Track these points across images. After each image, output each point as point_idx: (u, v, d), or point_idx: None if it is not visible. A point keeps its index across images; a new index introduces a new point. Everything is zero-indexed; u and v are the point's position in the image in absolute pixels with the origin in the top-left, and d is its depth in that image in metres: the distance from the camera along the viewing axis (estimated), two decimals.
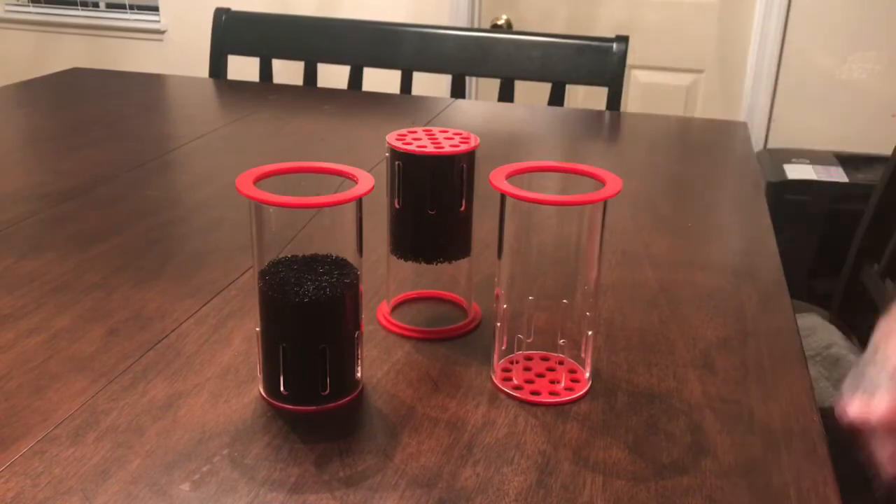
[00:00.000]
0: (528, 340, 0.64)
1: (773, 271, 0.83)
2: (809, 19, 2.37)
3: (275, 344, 0.57)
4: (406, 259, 0.68)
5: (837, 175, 2.18)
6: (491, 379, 0.62)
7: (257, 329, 0.58)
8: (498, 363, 0.63)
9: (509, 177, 0.58)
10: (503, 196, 0.57)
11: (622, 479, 0.52)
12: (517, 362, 0.64)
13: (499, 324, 0.62)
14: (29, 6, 3.19)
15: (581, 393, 0.61)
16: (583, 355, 0.62)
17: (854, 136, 2.39)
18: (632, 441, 0.56)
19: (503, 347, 0.63)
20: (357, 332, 0.58)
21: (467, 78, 1.60)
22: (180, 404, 0.58)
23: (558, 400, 0.60)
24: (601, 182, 0.58)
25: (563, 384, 0.62)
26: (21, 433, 0.54)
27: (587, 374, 0.62)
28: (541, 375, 0.63)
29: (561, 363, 0.64)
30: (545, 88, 1.54)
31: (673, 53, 2.53)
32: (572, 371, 0.63)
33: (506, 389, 0.61)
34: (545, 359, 0.65)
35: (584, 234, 0.60)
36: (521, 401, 0.60)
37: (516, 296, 0.62)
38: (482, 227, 0.70)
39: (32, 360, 0.63)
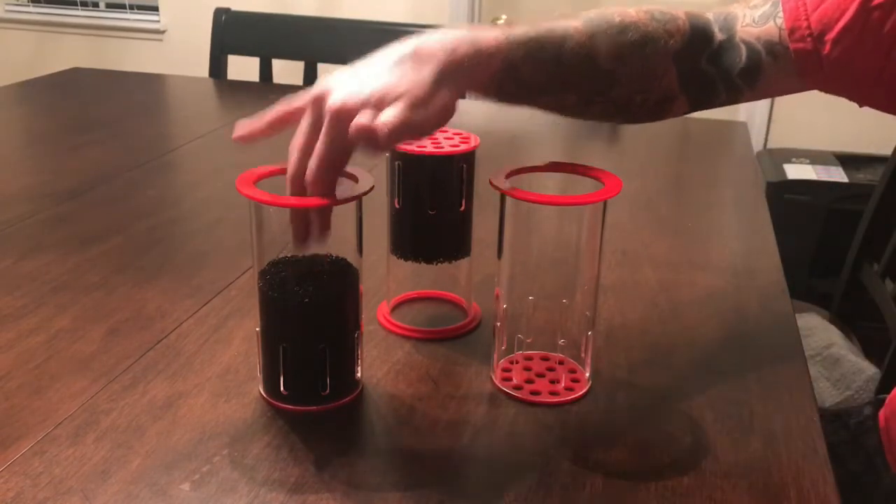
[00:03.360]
0: (528, 340, 0.64)
1: (773, 271, 0.83)
2: None
3: (275, 344, 0.57)
4: (406, 259, 0.68)
5: (837, 175, 2.18)
6: (491, 379, 0.62)
7: (257, 329, 0.58)
8: (498, 363, 0.63)
9: (509, 177, 0.58)
10: (503, 196, 0.57)
11: (622, 479, 0.52)
12: (517, 362, 0.64)
13: (498, 324, 0.62)
14: (29, 6, 3.19)
15: (581, 393, 0.61)
16: (583, 355, 0.62)
17: (854, 136, 2.39)
18: (632, 441, 0.56)
19: (503, 347, 0.63)
20: (357, 332, 0.58)
21: None
22: (180, 404, 0.58)
23: (558, 400, 0.60)
24: (601, 182, 0.58)
25: (563, 384, 0.62)
26: (21, 433, 0.54)
27: (587, 374, 0.62)
28: (541, 375, 0.63)
29: (561, 363, 0.64)
30: None
31: None
32: (572, 371, 0.63)
33: (506, 389, 0.61)
34: (545, 359, 0.65)
35: (585, 234, 0.60)
36: (520, 401, 0.60)
37: (516, 296, 0.62)
38: (482, 227, 0.70)
39: (32, 360, 0.63)
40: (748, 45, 0.61)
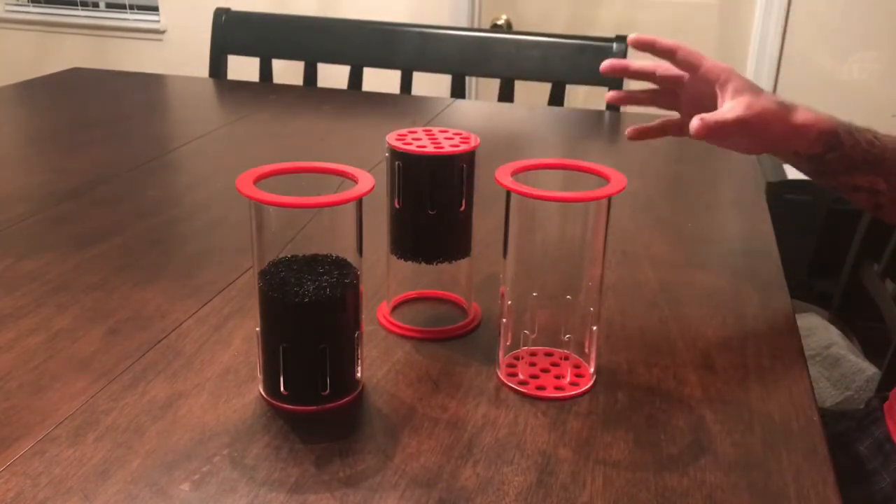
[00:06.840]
0: (533, 336, 0.64)
1: (773, 271, 0.83)
2: (809, 19, 2.37)
3: (275, 344, 0.57)
4: (406, 259, 0.68)
5: None
6: (496, 375, 0.63)
7: (257, 329, 0.58)
8: (503, 359, 0.63)
9: (514, 174, 0.58)
10: (509, 193, 0.57)
11: (622, 479, 0.52)
12: (522, 358, 0.64)
13: (504, 320, 0.62)
14: (29, 6, 3.19)
15: (586, 388, 0.61)
16: (587, 350, 0.63)
17: None
18: (632, 441, 0.56)
19: (508, 343, 0.63)
20: (357, 332, 0.58)
21: (467, 78, 1.60)
22: (180, 404, 0.58)
23: (563, 395, 0.60)
24: (605, 179, 0.58)
25: (567, 379, 0.62)
26: (21, 433, 0.54)
27: (591, 369, 0.62)
28: (545, 371, 0.63)
29: (565, 359, 0.64)
30: (545, 88, 1.54)
31: None
32: (576, 366, 0.63)
33: (511, 385, 0.61)
34: (549, 354, 0.65)
35: (589, 231, 0.60)
36: (526, 395, 0.60)
37: (521, 292, 0.62)
38: (482, 227, 0.70)
39: (32, 360, 0.63)
40: None
